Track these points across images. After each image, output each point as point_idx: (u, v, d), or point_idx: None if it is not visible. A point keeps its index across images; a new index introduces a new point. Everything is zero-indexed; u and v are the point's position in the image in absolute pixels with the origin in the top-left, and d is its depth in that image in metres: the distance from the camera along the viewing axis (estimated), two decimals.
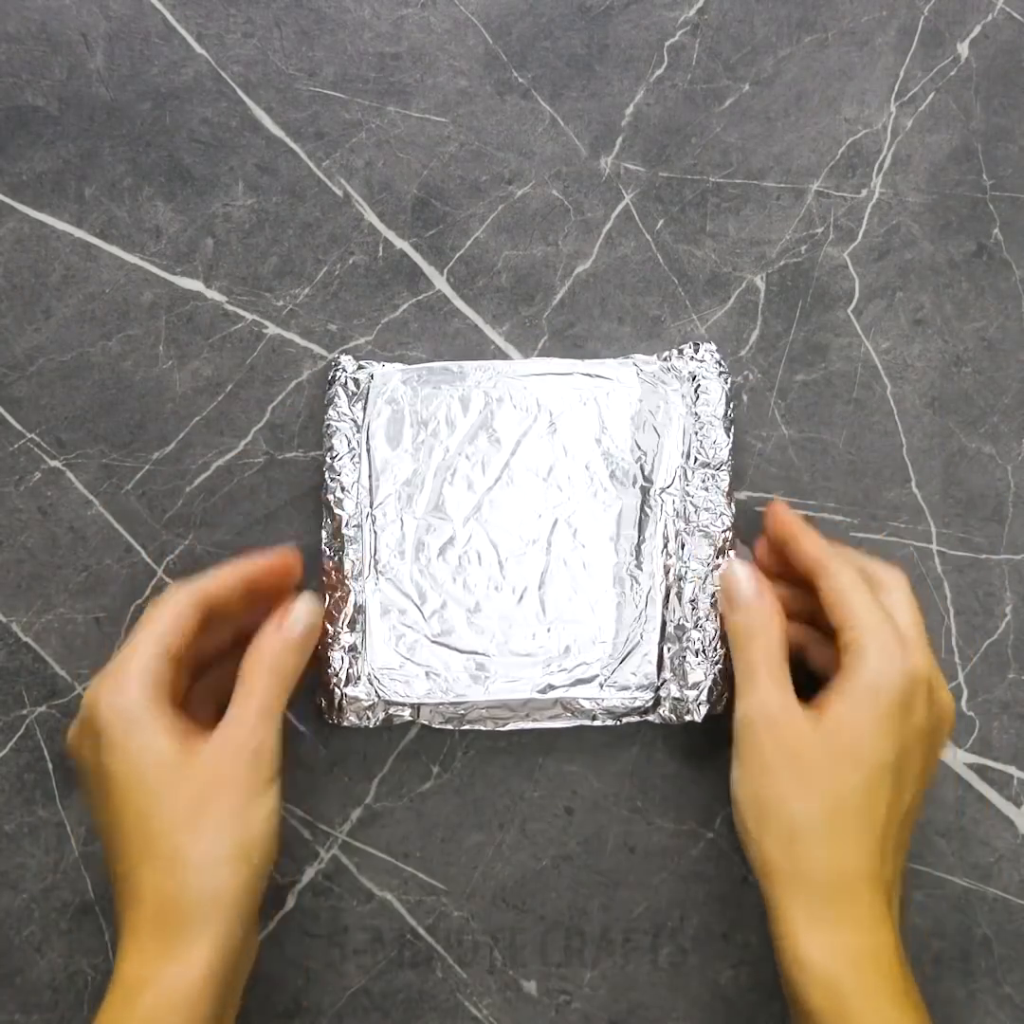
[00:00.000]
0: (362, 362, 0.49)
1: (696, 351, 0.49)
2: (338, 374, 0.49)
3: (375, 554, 0.47)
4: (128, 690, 0.40)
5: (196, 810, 0.39)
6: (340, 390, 0.48)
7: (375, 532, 0.47)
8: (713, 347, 0.49)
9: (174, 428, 0.49)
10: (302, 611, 0.43)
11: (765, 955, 0.48)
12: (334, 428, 0.48)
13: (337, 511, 0.47)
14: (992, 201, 0.51)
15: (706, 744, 0.48)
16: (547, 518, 0.47)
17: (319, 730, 0.48)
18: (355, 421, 0.48)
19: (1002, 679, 0.49)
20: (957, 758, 0.49)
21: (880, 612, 0.41)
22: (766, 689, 0.41)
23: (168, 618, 0.41)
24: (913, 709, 0.40)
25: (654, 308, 0.50)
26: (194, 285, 0.50)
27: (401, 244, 0.50)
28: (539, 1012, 0.48)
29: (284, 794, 0.41)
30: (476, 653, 0.46)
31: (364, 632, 0.46)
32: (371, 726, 0.47)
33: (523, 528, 0.47)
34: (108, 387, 0.50)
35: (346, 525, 0.47)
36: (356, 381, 0.48)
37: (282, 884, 0.48)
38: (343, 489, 0.48)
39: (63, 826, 0.48)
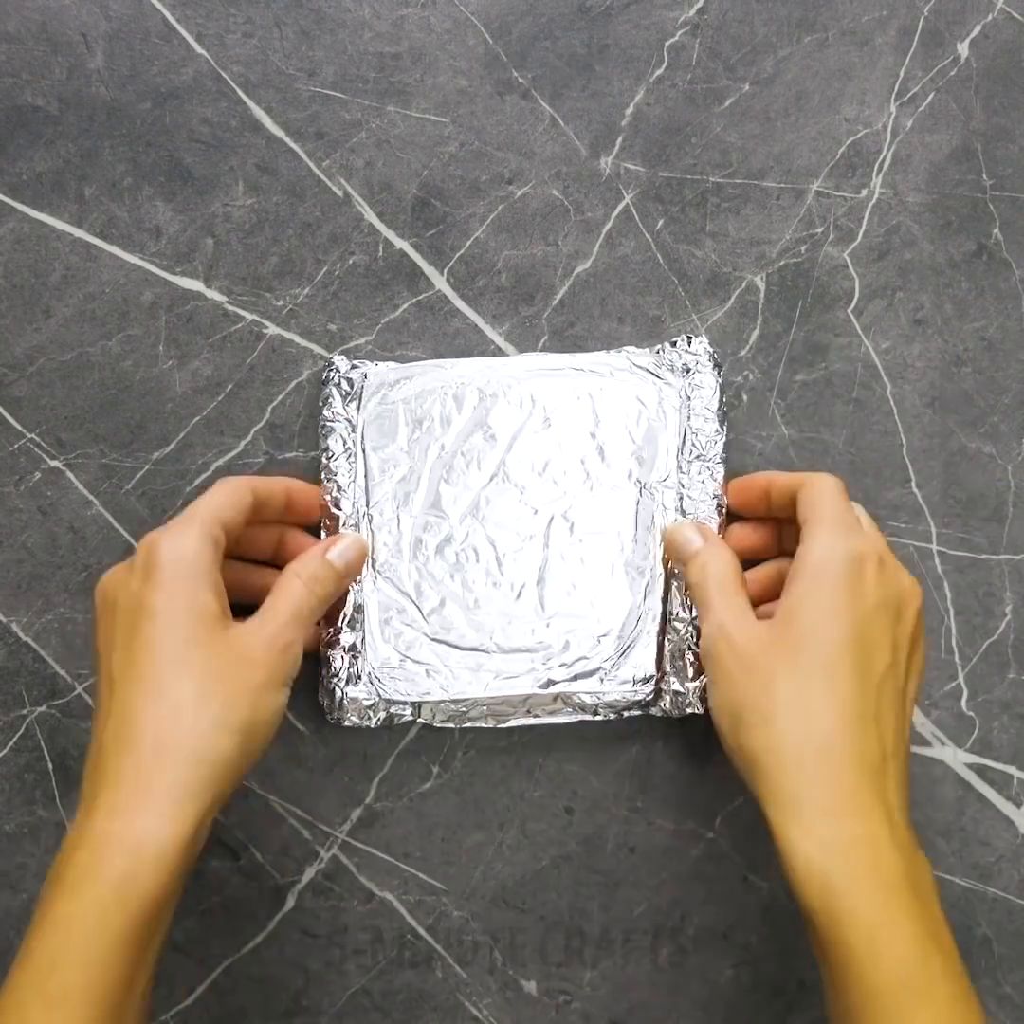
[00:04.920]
0: (356, 361, 0.49)
1: (689, 344, 0.49)
2: (332, 374, 0.49)
3: (373, 553, 0.47)
4: (190, 540, 0.41)
5: (217, 676, 0.39)
6: (334, 390, 0.48)
7: (372, 531, 0.47)
8: (705, 340, 0.49)
9: (174, 428, 0.49)
10: (349, 545, 0.45)
11: (765, 955, 0.48)
12: (329, 428, 0.48)
13: (334, 511, 0.47)
14: (992, 201, 0.51)
15: (706, 744, 0.48)
16: (544, 514, 0.47)
17: (319, 730, 0.48)
18: (349, 421, 0.48)
19: (1002, 679, 0.49)
20: (957, 758, 0.49)
21: (840, 506, 0.43)
22: (719, 610, 0.42)
23: (229, 492, 0.43)
24: (862, 581, 0.41)
25: (654, 308, 0.50)
26: (194, 285, 0.50)
27: (401, 244, 0.50)
28: (539, 1012, 0.48)
29: (288, 702, 0.41)
30: (476, 649, 0.46)
31: (364, 631, 0.46)
32: (373, 726, 0.47)
33: (520, 524, 0.47)
34: (108, 387, 0.50)
35: (343, 525, 0.47)
36: (350, 381, 0.49)
37: (282, 884, 0.48)
38: (340, 489, 0.48)
39: (63, 826, 0.48)
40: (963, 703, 0.49)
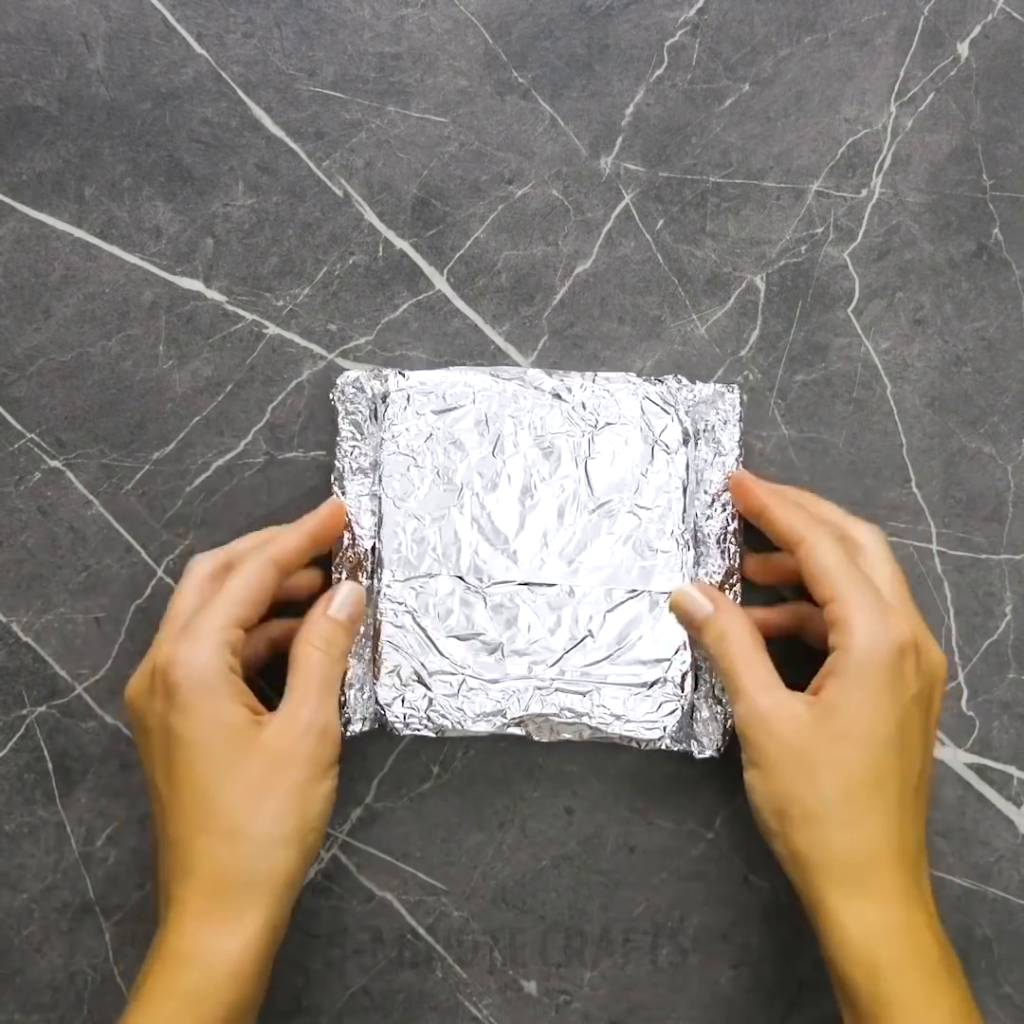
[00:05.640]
0: (365, 380, 0.48)
1: (721, 398, 0.48)
2: (343, 404, 0.47)
3: (397, 613, 0.46)
4: (204, 655, 0.40)
5: (261, 788, 0.39)
6: (351, 429, 0.47)
7: (389, 592, 0.46)
8: (737, 397, 0.48)
9: (174, 428, 0.49)
10: (346, 595, 0.44)
11: (765, 955, 0.48)
12: (344, 467, 0.47)
13: (360, 575, 0.47)
14: (992, 201, 0.51)
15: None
16: (576, 570, 0.47)
17: None
18: (365, 465, 0.47)
19: (1002, 679, 0.49)
20: (957, 758, 0.49)
21: (860, 581, 0.42)
22: (751, 691, 0.41)
23: (252, 586, 0.42)
24: (903, 677, 0.40)
25: (654, 308, 0.50)
26: (194, 285, 0.50)
27: (401, 244, 0.50)
28: (539, 1012, 0.48)
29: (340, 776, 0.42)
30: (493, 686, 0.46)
31: (377, 663, 0.46)
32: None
33: (548, 584, 0.46)
34: (108, 387, 0.50)
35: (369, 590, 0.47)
36: (363, 410, 0.48)
37: None
38: (355, 539, 0.47)
39: (63, 826, 0.48)
40: (963, 703, 0.49)
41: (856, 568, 0.42)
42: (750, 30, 0.51)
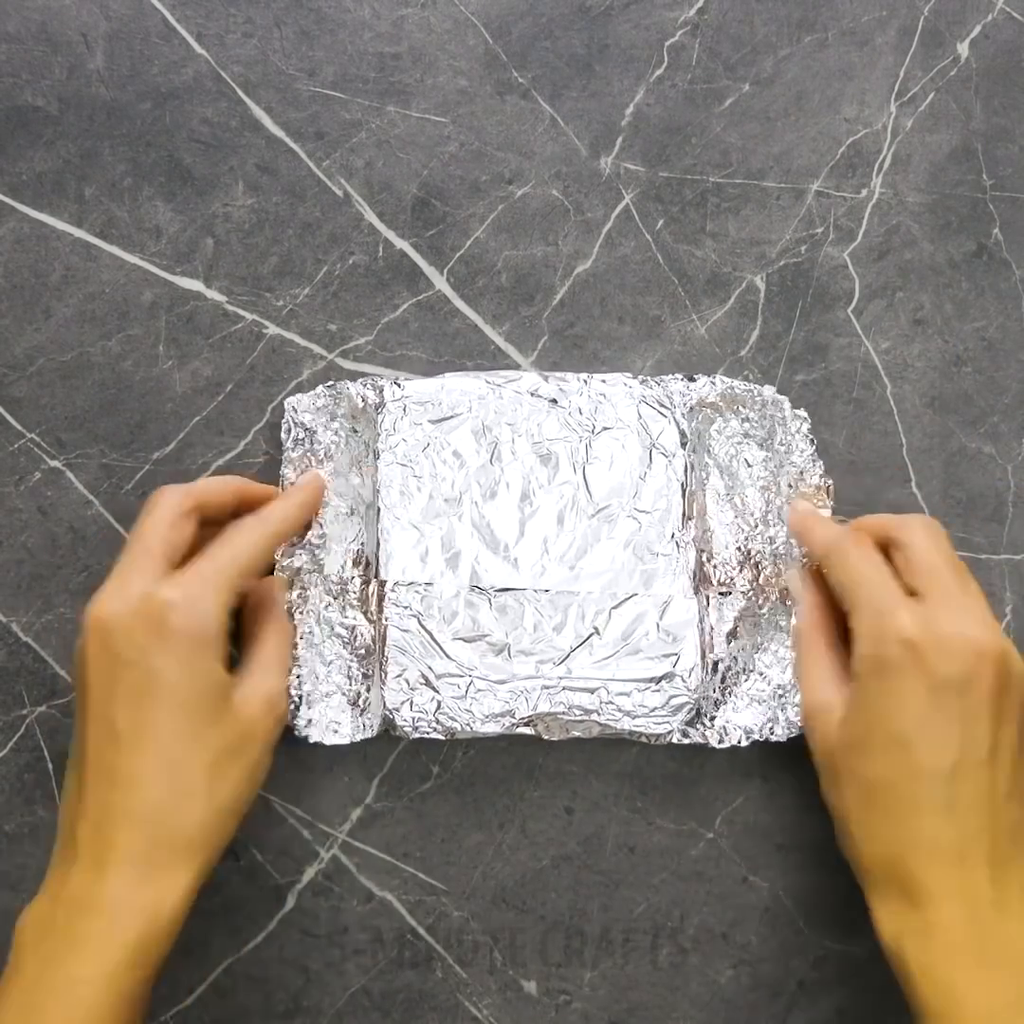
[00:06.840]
0: (355, 391, 0.48)
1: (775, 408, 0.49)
2: (294, 424, 0.48)
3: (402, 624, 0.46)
4: (209, 606, 0.40)
5: (228, 757, 0.40)
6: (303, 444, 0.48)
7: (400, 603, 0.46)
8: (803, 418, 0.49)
9: (174, 428, 0.49)
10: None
11: (765, 955, 0.48)
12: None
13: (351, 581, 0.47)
14: (992, 201, 0.51)
15: (706, 744, 0.48)
16: (577, 575, 0.46)
17: None
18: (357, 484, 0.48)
19: None
20: None
21: (869, 585, 0.42)
22: (805, 688, 0.44)
23: (257, 553, 0.43)
24: (916, 669, 0.39)
25: (654, 308, 0.50)
26: (194, 285, 0.50)
27: (401, 244, 0.50)
28: (539, 1012, 0.48)
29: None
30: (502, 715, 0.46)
31: (382, 672, 0.46)
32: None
33: (554, 593, 0.46)
34: (108, 387, 0.50)
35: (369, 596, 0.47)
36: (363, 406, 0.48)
37: (282, 884, 0.48)
38: (362, 559, 0.47)
39: None
40: None
41: (872, 572, 0.42)
42: (750, 30, 0.51)
